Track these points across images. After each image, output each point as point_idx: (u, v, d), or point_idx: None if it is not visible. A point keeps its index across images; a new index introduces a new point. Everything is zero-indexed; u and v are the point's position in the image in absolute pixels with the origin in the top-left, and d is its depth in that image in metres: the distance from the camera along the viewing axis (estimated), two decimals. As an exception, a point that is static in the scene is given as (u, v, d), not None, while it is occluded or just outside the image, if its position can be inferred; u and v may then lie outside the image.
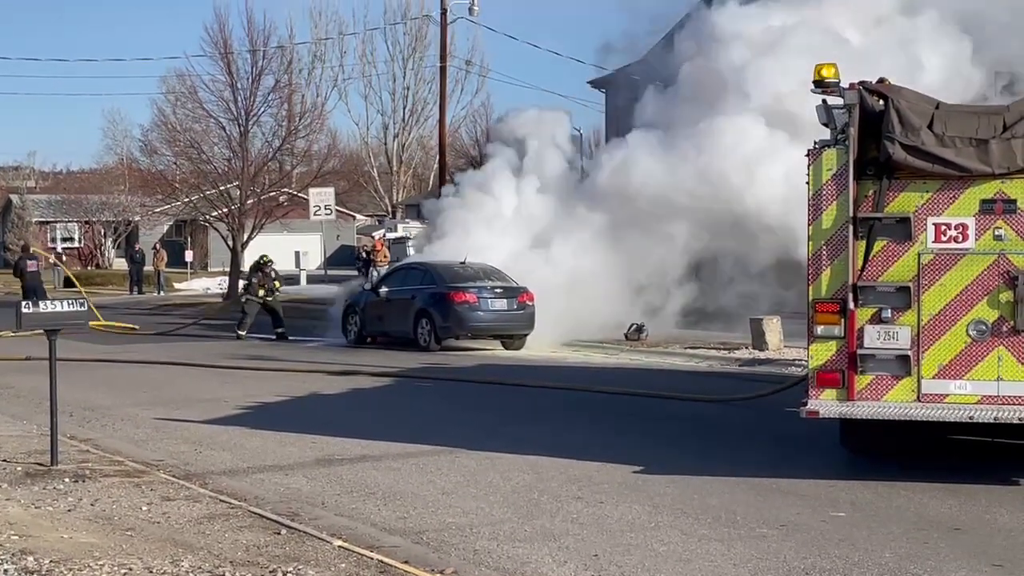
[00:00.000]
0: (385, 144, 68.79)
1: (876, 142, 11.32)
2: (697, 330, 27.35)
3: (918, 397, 11.37)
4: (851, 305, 11.36)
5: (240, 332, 29.85)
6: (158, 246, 57.66)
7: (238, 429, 15.18)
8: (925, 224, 11.34)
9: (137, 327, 32.86)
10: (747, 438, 14.58)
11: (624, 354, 25.48)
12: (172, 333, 31.85)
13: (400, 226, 56.18)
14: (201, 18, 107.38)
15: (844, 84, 11.42)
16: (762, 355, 23.47)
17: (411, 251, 39.13)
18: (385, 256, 41.04)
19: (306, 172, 50.73)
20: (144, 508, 10.54)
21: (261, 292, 30.19)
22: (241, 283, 34.42)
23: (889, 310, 11.38)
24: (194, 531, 9.77)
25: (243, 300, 30.93)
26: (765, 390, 16.66)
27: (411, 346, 26.31)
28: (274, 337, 29.70)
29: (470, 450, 13.37)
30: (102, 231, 75.03)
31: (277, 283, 30.88)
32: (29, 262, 35.34)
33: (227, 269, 48.79)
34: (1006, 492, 11.20)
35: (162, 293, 51.83)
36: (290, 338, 29.53)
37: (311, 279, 50.24)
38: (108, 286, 57.70)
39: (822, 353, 11.49)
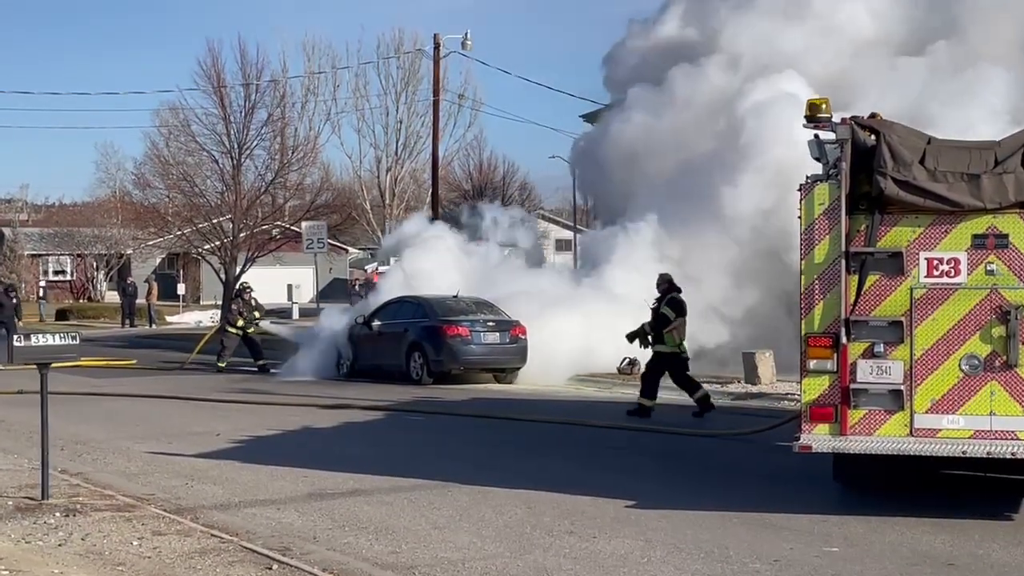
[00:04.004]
0: (378, 177, 68.93)
1: (868, 177, 11.36)
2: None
3: (911, 432, 11.37)
4: (844, 339, 11.36)
5: (220, 364, 29.78)
6: (150, 279, 57.60)
7: (230, 463, 15.12)
8: (917, 259, 11.37)
9: (135, 360, 32.64)
10: (739, 472, 14.56)
11: (617, 387, 25.45)
12: (182, 366, 31.35)
13: (392, 259, 56.18)
14: (194, 52, 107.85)
15: (836, 119, 11.48)
16: (755, 389, 23.46)
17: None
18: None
19: (299, 205, 50.85)
20: (135, 543, 10.49)
21: (240, 322, 30.09)
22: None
23: (882, 345, 11.39)
24: (185, 566, 9.72)
25: (224, 329, 30.80)
26: (761, 426, 16.65)
27: (403, 379, 26.26)
28: (255, 370, 29.55)
29: (462, 484, 13.34)
30: (94, 264, 75.00)
31: (257, 312, 30.74)
32: None
33: (219, 302, 48.78)
34: (999, 527, 11.18)
35: (153, 327, 51.75)
36: (272, 371, 29.32)
37: (303, 312, 50.20)
38: (100, 319, 57.57)
39: (815, 387, 11.49)
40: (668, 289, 20.36)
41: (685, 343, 20.41)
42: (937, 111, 23.79)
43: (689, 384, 20.29)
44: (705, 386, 20.57)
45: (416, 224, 35.81)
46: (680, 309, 20.14)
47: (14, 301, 35.25)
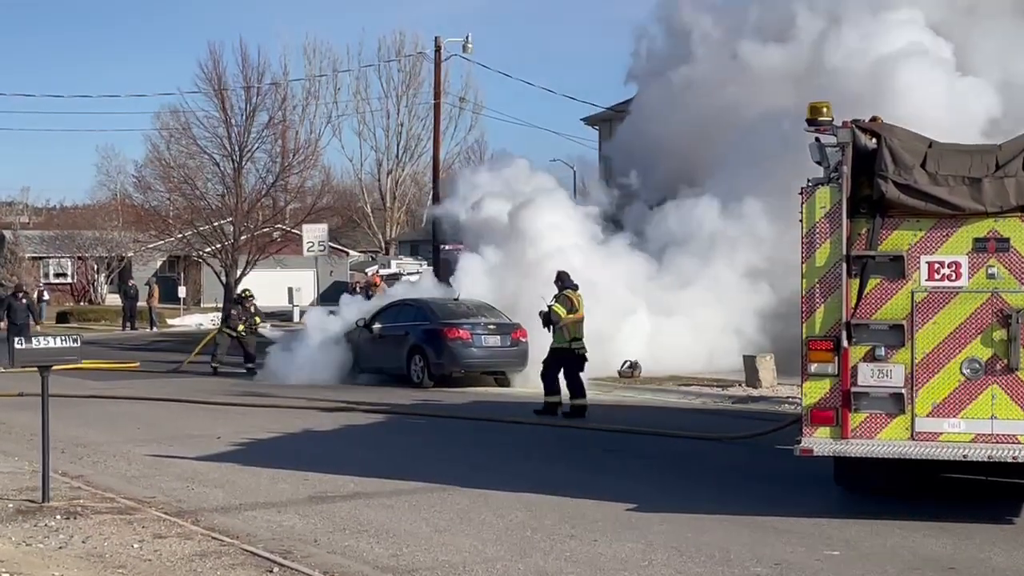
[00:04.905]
0: (379, 180, 69.01)
1: (869, 180, 11.37)
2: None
3: (912, 435, 11.37)
4: (845, 343, 11.36)
5: (215, 365, 29.84)
6: (151, 282, 57.59)
7: (230, 465, 15.12)
8: (918, 262, 11.37)
9: (139, 363, 32.62)
10: (740, 475, 14.55)
11: (617, 391, 25.41)
12: (179, 370, 31.40)
13: (394, 262, 56.18)
14: (195, 54, 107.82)
15: (837, 122, 11.48)
16: (755, 392, 23.45)
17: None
18: (383, 292, 40.92)
19: (299, 208, 50.92)
20: (136, 545, 10.49)
21: (240, 327, 30.22)
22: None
23: (883, 348, 11.39)
24: (186, 569, 9.72)
25: (220, 332, 30.93)
26: (763, 429, 16.63)
27: (404, 382, 26.25)
28: (244, 372, 29.50)
29: (463, 487, 13.33)
30: (95, 267, 74.98)
31: (257, 318, 30.85)
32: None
33: (220, 305, 48.81)
34: (1000, 531, 11.18)
35: (155, 329, 51.73)
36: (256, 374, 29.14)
37: (304, 315, 50.12)
38: (101, 322, 57.55)
39: (816, 391, 11.49)
40: (562, 286, 20.37)
41: (583, 341, 20.31)
42: None
43: (575, 386, 20.25)
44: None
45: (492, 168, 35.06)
46: (570, 307, 20.08)
47: (24, 302, 35.20)
